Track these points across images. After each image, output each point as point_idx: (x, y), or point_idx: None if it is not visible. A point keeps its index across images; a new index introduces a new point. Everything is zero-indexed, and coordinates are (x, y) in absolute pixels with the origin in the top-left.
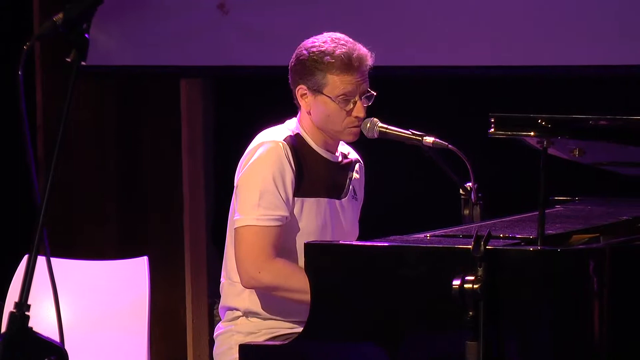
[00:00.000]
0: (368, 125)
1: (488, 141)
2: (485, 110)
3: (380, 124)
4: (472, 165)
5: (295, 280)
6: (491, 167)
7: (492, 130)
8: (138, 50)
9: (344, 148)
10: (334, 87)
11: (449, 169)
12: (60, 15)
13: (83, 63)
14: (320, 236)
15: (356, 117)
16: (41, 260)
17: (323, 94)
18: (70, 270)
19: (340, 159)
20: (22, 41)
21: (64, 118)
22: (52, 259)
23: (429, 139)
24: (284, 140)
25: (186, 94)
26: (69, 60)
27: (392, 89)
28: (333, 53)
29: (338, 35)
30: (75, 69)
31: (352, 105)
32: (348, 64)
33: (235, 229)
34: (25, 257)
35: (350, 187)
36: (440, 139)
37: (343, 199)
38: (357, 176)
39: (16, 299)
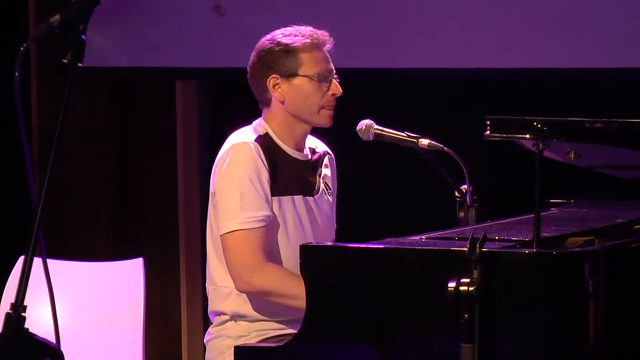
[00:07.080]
0: (364, 127)
1: (483, 144)
2: (481, 112)
3: (376, 126)
4: (468, 167)
5: (288, 286)
6: (487, 170)
7: (488, 132)
8: (134, 52)
9: (311, 142)
10: (310, 66)
11: (444, 172)
12: (57, 17)
13: (80, 64)
14: (298, 233)
15: (333, 94)
16: (37, 262)
17: (298, 75)
18: (66, 272)
19: (309, 156)
20: (18, 43)
21: (60, 119)
22: (47, 260)
23: (425, 141)
24: (254, 141)
25: (181, 96)
26: (65, 61)
27: (387, 91)
28: (299, 35)
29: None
30: (71, 71)
31: (328, 84)
32: (316, 41)
33: (221, 236)
34: (21, 258)
35: (322, 183)
36: (435, 141)
37: (315, 196)
38: (328, 170)
39: (12, 300)
